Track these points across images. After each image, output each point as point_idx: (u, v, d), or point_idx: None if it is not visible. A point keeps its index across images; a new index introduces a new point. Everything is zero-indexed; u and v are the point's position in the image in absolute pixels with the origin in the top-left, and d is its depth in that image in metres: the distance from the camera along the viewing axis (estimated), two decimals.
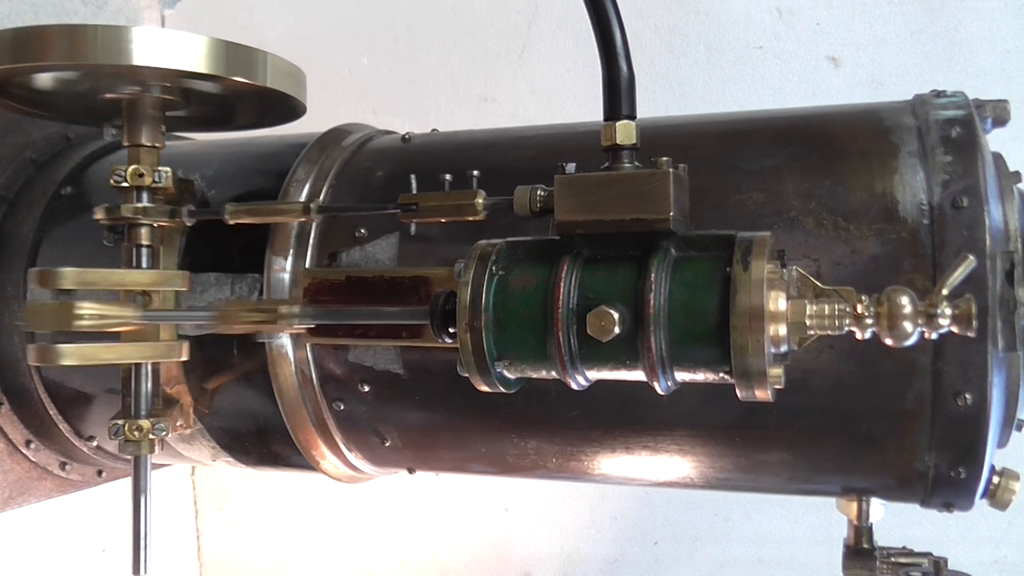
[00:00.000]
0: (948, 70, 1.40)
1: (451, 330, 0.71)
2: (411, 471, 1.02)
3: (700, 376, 0.64)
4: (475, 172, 0.75)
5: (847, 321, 0.62)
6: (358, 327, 0.88)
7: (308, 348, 0.91)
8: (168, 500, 1.61)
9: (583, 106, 1.44)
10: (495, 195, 0.83)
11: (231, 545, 1.66)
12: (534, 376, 0.69)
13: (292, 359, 0.91)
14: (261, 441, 1.01)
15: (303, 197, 0.93)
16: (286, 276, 0.91)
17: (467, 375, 0.68)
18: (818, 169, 0.79)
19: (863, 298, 0.61)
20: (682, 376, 0.64)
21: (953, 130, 0.77)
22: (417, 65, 1.53)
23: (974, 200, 0.73)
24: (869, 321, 0.61)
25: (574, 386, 0.67)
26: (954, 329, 0.60)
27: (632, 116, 0.66)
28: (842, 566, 0.90)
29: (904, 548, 0.90)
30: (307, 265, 0.91)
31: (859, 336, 0.62)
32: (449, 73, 1.52)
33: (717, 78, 1.44)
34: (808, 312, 0.63)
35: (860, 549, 0.90)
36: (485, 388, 0.69)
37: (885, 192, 0.76)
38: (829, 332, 0.63)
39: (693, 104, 1.42)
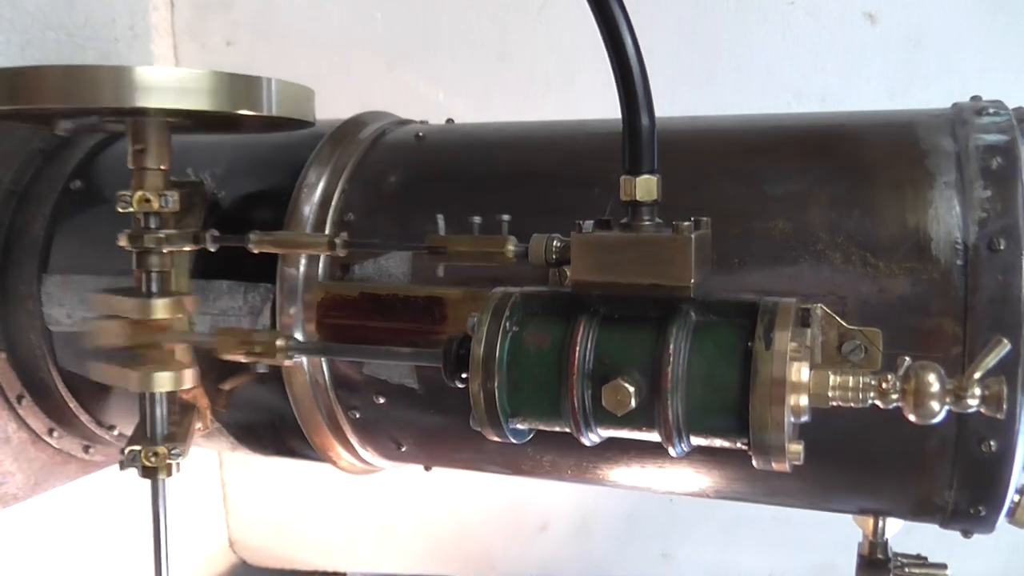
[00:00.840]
0: (991, 28, 1.33)
1: (464, 375, 0.70)
2: (427, 469, 1.03)
3: (717, 443, 0.63)
4: (506, 217, 0.73)
5: (871, 395, 0.60)
6: (373, 341, 0.87)
7: (323, 359, 0.90)
8: (193, 452, 1.64)
9: (603, 66, 1.38)
10: (514, 202, 0.81)
11: (255, 495, 1.70)
12: (547, 430, 0.68)
13: (306, 367, 0.91)
14: (278, 438, 1.01)
15: (316, 201, 0.91)
16: (299, 287, 0.89)
17: (478, 428, 0.67)
18: (847, 198, 0.76)
19: (888, 377, 0.59)
20: (698, 442, 0.63)
21: (994, 161, 0.73)
22: (432, 21, 1.47)
23: (1011, 243, 0.70)
24: (894, 396, 0.59)
25: (587, 443, 0.66)
26: (983, 410, 0.58)
27: (653, 171, 0.63)
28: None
29: (919, 556, 0.90)
30: (320, 277, 0.89)
31: (881, 407, 0.60)
32: (465, 30, 1.46)
33: (746, 38, 1.37)
34: (831, 383, 0.61)
35: (874, 560, 0.90)
36: (496, 439, 0.68)
37: (918, 227, 0.73)
38: (852, 404, 0.61)
39: (721, 68, 1.36)
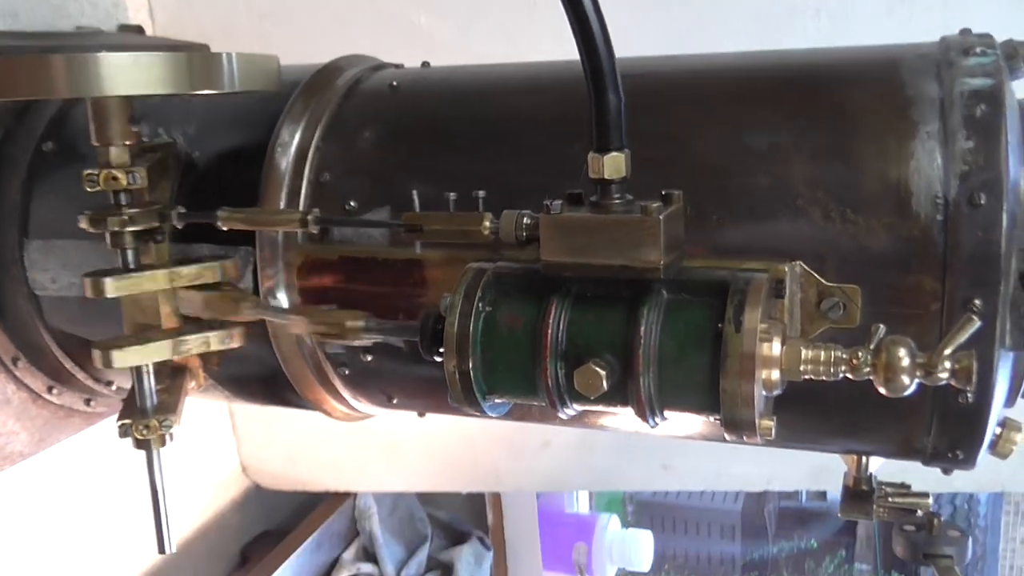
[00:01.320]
0: None
1: (441, 351, 0.70)
2: (421, 415, 1.04)
3: (690, 417, 0.63)
4: (481, 193, 0.71)
5: (843, 368, 0.61)
6: (355, 306, 0.87)
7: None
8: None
9: None
10: (493, 157, 0.80)
11: (264, 422, 1.74)
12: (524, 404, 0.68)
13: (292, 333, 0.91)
14: (272, 392, 1.03)
15: (291, 161, 0.89)
16: (279, 250, 0.89)
17: (455, 406, 0.68)
18: (829, 151, 0.74)
19: (859, 352, 0.59)
20: (671, 415, 0.64)
21: (978, 108, 0.71)
22: None
23: (992, 198, 0.68)
24: (866, 370, 0.60)
25: (564, 418, 0.67)
26: (953, 383, 0.58)
27: (621, 148, 0.61)
28: (840, 508, 0.93)
29: (902, 485, 0.92)
30: (299, 239, 0.88)
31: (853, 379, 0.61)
32: None
33: None
34: (803, 357, 0.61)
35: (859, 491, 0.92)
36: (474, 415, 0.69)
37: (899, 181, 0.71)
38: (824, 378, 0.61)
39: None
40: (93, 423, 1.18)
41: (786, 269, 0.71)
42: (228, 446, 1.72)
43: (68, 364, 1.07)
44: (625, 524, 1.86)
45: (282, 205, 0.89)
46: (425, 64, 1.02)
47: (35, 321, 1.03)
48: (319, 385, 0.96)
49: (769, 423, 0.60)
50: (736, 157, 0.76)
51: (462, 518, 1.87)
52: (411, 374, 0.92)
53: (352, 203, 0.87)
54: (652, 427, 0.64)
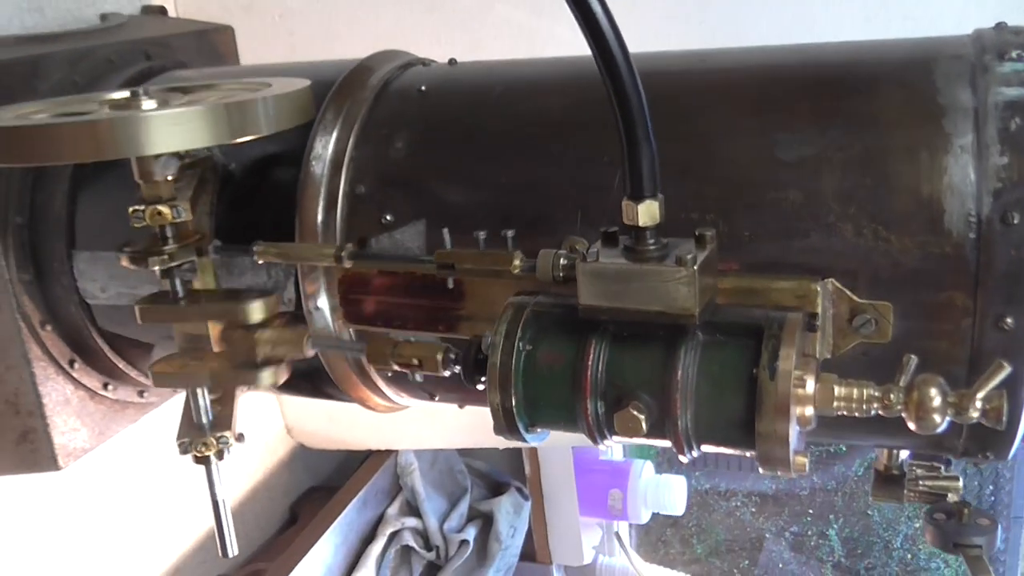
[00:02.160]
0: None
1: (482, 378, 0.73)
2: (461, 407, 1.08)
3: (726, 451, 0.66)
4: (510, 233, 0.73)
5: (875, 406, 0.62)
6: (396, 318, 0.89)
7: (349, 328, 0.94)
8: None
9: None
10: (530, 164, 0.82)
11: None
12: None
13: (333, 332, 0.94)
14: (316, 388, 1.06)
15: (325, 175, 0.91)
16: (319, 264, 0.91)
17: (498, 435, 0.71)
18: (861, 165, 0.74)
19: (892, 392, 0.61)
20: (708, 450, 0.66)
21: (1013, 122, 0.71)
22: None
23: None
24: (898, 408, 0.61)
25: (604, 449, 0.70)
26: (984, 422, 0.60)
27: (655, 195, 0.62)
28: (871, 492, 0.96)
29: (932, 467, 0.95)
30: None
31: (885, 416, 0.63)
32: None
33: None
34: (836, 394, 0.63)
35: (890, 476, 0.95)
36: (516, 444, 0.72)
37: (932, 198, 0.71)
38: (856, 414, 0.63)
39: None
40: (147, 412, 1.23)
41: (818, 289, 0.72)
42: (273, 409, 1.78)
43: (121, 364, 1.11)
44: (659, 470, 1.92)
45: (319, 217, 0.90)
46: (452, 62, 1.02)
47: (87, 326, 1.07)
48: (362, 384, 1.00)
49: (803, 459, 0.63)
50: (767, 171, 0.77)
51: (500, 470, 1.93)
52: (452, 380, 0.95)
53: (388, 217, 0.89)
54: (688, 460, 0.66)
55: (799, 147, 0.76)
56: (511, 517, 1.82)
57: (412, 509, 1.77)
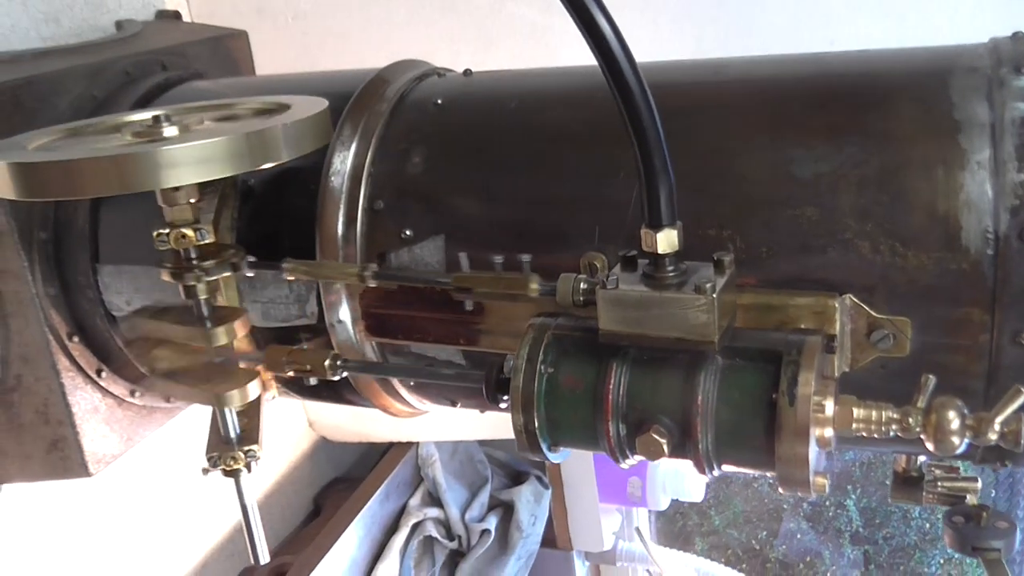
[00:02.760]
0: None
1: (504, 397, 0.74)
2: (482, 411, 1.09)
3: (746, 471, 0.67)
4: (526, 258, 0.74)
5: (894, 427, 0.63)
6: (416, 332, 0.91)
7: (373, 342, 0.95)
8: None
9: None
10: (546, 178, 0.83)
11: None
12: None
13: (360, 350, 0.95)
14: (338, 395, 1.08)
15: (344, 190, 0.92)
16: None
17: (521, 453, 0.72)
18: (878, 181, 0.74)
19: (910, 415, 0.62)
20: (729, 470, 0.67)
21: None
22: None
23: None
24: (917, 430, 0.62)
25: (625, 467, 0.71)
26: (1002, 444, 0.61)
27: (673, 223, 0.63)
28: (890, 493, 0.97)
29: (951, 468, 0.95)
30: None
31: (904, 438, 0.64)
32: None
33: None
34: (855, 416, 0.64)
35: (908, 477, 0.96)
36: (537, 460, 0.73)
37: (948, 215, 0.72)
38: (875, 436, 0.64)
39: None
40: (173, 416, 1.25)
41: (836, 305, 0.73)
42: (295, 404, 1.80)
43: (147, 371, 1.13)
44: None
45: (340, 232, 0.91)
46: (467, 72, 1.02)
47: (114, 337, 1.09)
48: (384, 393, 1.02)
49: (823, 480, 0.64)
50: (784, 188, 0.77)
51: (520, 459, 1.95)
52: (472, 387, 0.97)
53: (407, 232, 0.90)
54: (709, 479, 0.67)
55: (815, 164, 0.77)
56: (531, 505, 1.84)
57: (434, 500, 1.79)
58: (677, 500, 1.94)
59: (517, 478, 1.92)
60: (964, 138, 0.73)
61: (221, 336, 0.82)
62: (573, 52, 1.00)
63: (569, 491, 1.89)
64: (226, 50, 1.31)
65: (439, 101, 0.95)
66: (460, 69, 1.08)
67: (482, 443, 1.94)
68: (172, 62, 1.21)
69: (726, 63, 0.91)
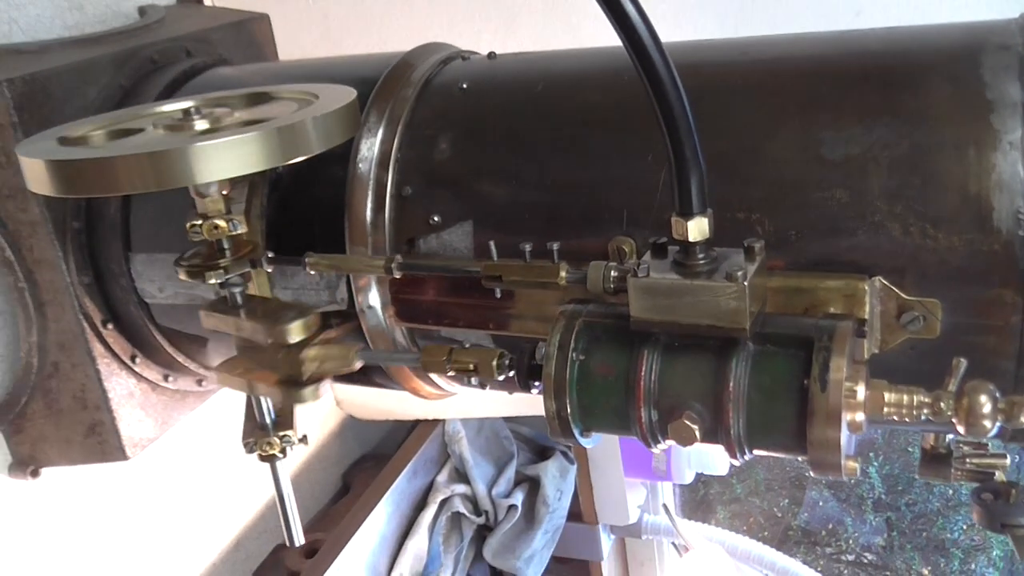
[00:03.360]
0: None
1: (536, 383, 0.75)
2: (511, 393, 1.10)
3: (778, 455, 0.68)
4: (555, 246, 0.74)
5: (925, 411, 0.64)
6: (446, 317, 0.92)
7: (399, 327, 0.96)
8: None
9: None
10: (574, 162, 0.83)
11: None
12: None
13: (390, 335, 0.96)
14: (370, 379, 1.10)
15: (372, 177, 0.92)
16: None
17: (553, 438, 0.73)
18: (908, 163, 0.74)
19: (942, 400, 0.62)
20: (760, 454, 0.68)
21: None
22: None
23: None
24: (948, 414, 0.63)
25: (656, 452, 0.72)
26: None
27: (704, 211, 0.63)
28: (918, 470, 0.97)
29: (980, 444, 0.96)
30: (387, 252, 0.92)
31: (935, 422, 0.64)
32: None
33: None
34: (887, 400, 0.64)
35: (937, 454, 0.96)
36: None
37: (980, 196, 0.71)
38: (907, 420, 0.64)
39: None
40: (206, 399, 1.28)
41: (866, 287, 0.73)
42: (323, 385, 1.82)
43: (180, 358, 1.15)
44: None
45: (368, 218, 0.92)
46: (491, 55, 1.02)
47: (147, 324, 1.11)
48: (415, 376, 1.03)
49: (854, 464, 0.64)
50: (814, 170, 0.77)
51: (545, 434, 1.97)
52: None
53: (436, 218, 0.90)
54: (740, 463, 0.68)
55: (845, 145, 0.76)
56: (557, 480, 1.86)
57: (461, 476, 1.81)
58: (702, 474, 1.95)
59: (543, 453, 1.94)
60: (996, 118, 0.72)
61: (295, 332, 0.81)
62: (595, 28, 1.00)
63: (594, 466, 1.91)
64: (249, 34, 1.32)
65: (464, 86, 0.96)
66: (482, 47, 1.08)
67: (507, 419, 1.95)
68: (197, 48, 1.21)
69: (753, 43, 0.91)
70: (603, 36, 0.68)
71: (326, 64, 1.17)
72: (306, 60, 1.28)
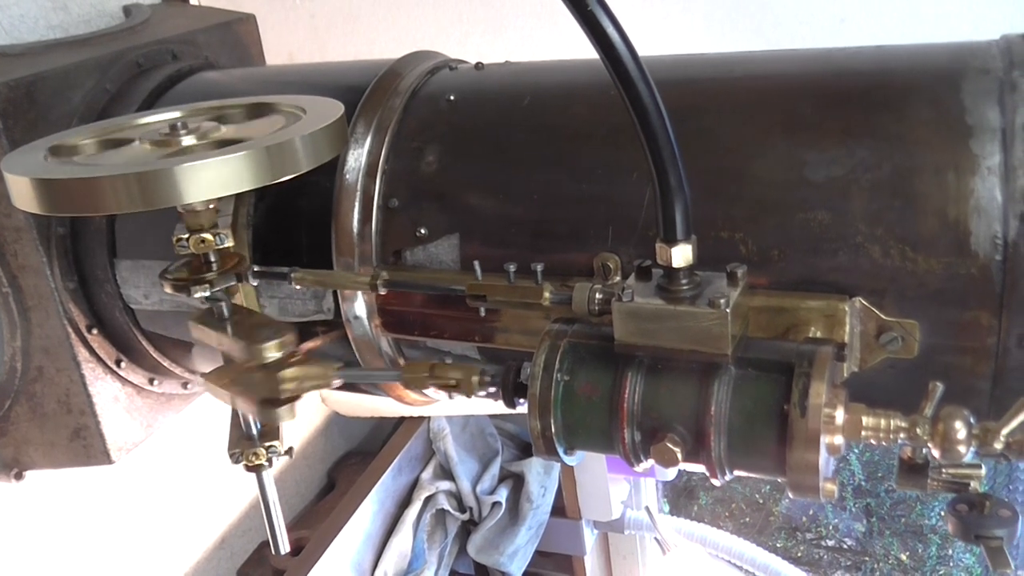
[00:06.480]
0: None
1: (521, 400, 0.76)
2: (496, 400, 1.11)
3: (758, 476, 0.69)
4: (539, 267, 0.75)
5: (902, 435, 0.65)
6: (432, 328, 0.92)
7: (384, 337, 0.97)
8: None
9: None
10: (560, 176, 0.84)
11: None
12: None
13: (376, 344, 0.97)
14: (353, 385, 1.10)
15: (359, 188, 0.93)
16: (355, 272, 0.93)
17: (537, 456, 0.74)
18: (889, 186, 0.75)
19: (918, 425, 0.63)
20: (740, 474, 0.69)
21: None
22: None
23: None
24: (924, 439, 0.64)
25: (640, 470, 0.73)
26: (1007, 455, 0.63)
27: (688, 238, 0.64)
28: (895, 480, 0.99)
29: None
30: (374, 264, 0.93)
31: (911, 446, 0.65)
32: None
33: None
34: (864, 424, 0.65)
35: (914, 464, 0.98)
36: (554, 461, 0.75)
37: (958, 221, 0.73)
38: (884, 444, 0.66)
39: None
40: (191, 402, 1.28)
41: (846, 307, 0.75)
42: None
43: (165, 362, 1.15)
44: None
45: (355, 229, 0.93)
46: (479, 66, 1.03)
47: (132, 329, 1.11)
48: (407, 391, 1.04)
49: (832, 487, 0.66)
50: (797, 191, 0.78)
51: None
52: None
53: (422, 230, 0.91)
54: (721, 484, 0.69)
55: (828, 167, 0.77)
56: (542, 477, 1.87)
57: (445, 473, 1.82)
58: (684, 471, 1.97)
59: (527, 450, 1.95)
60: (975, 143, 0.74)
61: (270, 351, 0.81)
62: (582, 33, 1.00)
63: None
64: (235, 35, 1.31)
65: (451, 97, 0.96)
66: (469, 50, 1.08)
67: (492, 416, 1.96)
68: (182, 51, 1.21)
69: (738, 59, 0.91)
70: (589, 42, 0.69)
71: (313, 71, 1.17)
72: (292, 66, 1.28)
